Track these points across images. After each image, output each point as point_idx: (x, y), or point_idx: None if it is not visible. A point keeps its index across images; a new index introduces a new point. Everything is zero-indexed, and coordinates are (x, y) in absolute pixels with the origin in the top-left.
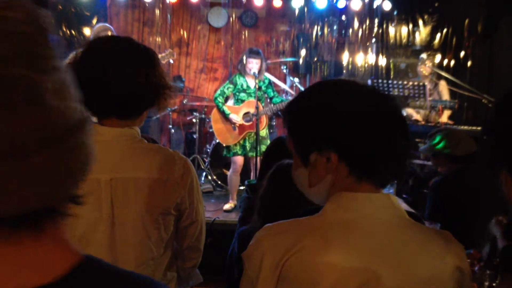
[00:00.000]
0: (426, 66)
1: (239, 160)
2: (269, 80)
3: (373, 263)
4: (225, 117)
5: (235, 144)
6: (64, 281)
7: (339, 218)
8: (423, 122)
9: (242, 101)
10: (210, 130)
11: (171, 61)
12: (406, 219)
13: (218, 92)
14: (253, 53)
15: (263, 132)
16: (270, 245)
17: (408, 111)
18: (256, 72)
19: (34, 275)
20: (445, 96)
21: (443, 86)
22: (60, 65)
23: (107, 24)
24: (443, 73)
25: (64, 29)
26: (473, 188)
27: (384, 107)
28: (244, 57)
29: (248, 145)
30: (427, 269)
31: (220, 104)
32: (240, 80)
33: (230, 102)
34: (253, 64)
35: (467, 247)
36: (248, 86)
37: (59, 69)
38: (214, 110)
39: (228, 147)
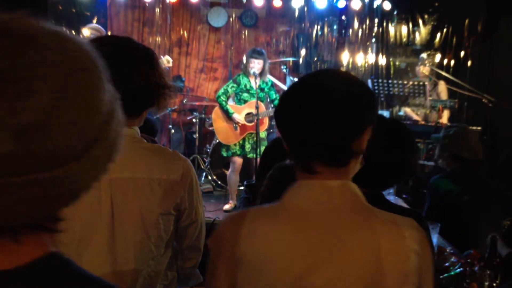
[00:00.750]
0: (425, 66)
1: (238, 160)
2: (272, 82)
3: (321, 248)
4: (228, 116)
5: (235, 144)
6: (19, 269)
7: (295, 205)
8: (423, 122)
9: (245, 101)
10: (210, 128)
11: (168, 68)
12: (364, 204)
13: (221, 90)
14: (255, 53)
15: (262, 133)
16: (228, 232)
17: (406, 111)
18: (257, 72)
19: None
20: (444, 97)
21: (442, 87)
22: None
23: (98, 26)
24: (443, 73)
25: (64, 29)
26: (470, 188)
27: (314, 92)
28: (248, 56)
29: (247, 145)
30: (374, 254)
31: (223, 103)
32: (243, 80)
33: (231, 102)
34: (255, 64)
35: (467, 247)
36: (251, 87)
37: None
38: (216, 109)
39: (227, 147)
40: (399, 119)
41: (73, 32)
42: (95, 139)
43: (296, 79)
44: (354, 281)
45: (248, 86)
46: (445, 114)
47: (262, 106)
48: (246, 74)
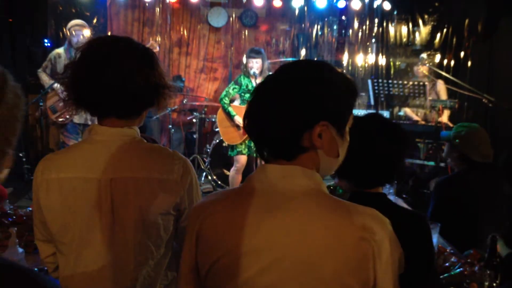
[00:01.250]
0: (425, 65)
1: (242, 159)
2: None
3: (272, 228)
4: (230, 118)
5: (241, 143)
6: None
7: (250, 187)
8: (423, 122)
9: (247, 101)
10: (216, 130)
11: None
12: (319, 191)
13: (224, 93)
14: (252, 53)
15: None
16: (193, 213)
17: (406, 112)
18: (256, 72)
19: None
20: (443, 95)
21: (440, 86)
22: None
23: (83, 22)
24: (442, 73)
25: (64, 30)
26: (476, 190)
27: (264, 82)
28: (245, 57)
29: (253, 145)
30: (316, 238)
31: (225, 105)
32: (245, 81)
33: (237, 103)
34: (253, 64)
35: (469, 247)
36: (253, 87)
37: None
38: (220, 110)
39: (232, 146)
40: (398, 119)
41: (73, 32)
42: None
43: None
44: (292, 264)
45: (249, 87)
46: (445, 114)
47: None
48: (247, 74)
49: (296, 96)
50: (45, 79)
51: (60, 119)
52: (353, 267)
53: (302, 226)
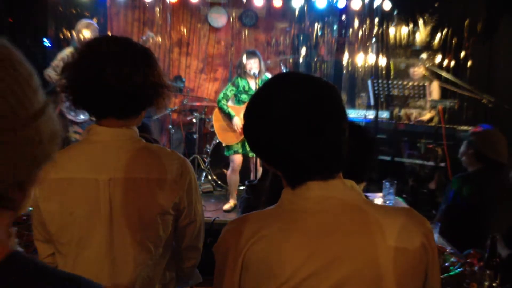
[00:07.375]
0: (422, 66)
1: (237, 158)
2: None
3: (328, 248)
4: (229, 119)
5: (236, 143)
6: None
7: (295, 207)
8: (423, 122)
9: (244, 102)
10: (212, 130)
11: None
12: (365, 200)
13: (221, 95)
14: (250, 54)
15: None
16: (233, 237)
17: (402, 113)
18: (256, 72)
19: None
20: (435, 96)
21: (434, 86)
22: None
23: (91, 21)
24: (443, 73)
25: (64, 30)
26: (492, 189)
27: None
28: (244, 59)
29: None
30: (388, 250)
31: (224, 107)
32: (242, 82)
33: (230, 103)
34: (252, 64)
35: (478, 246)
36: (249, 88)
37: None
38: (216, 110)
39: (228, 146)
40: (397, 119)
41: (73, 33)
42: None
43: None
44: (361, 279)
45: (246, 88)
46: (428, 115)
47: None
48: (243, 76)
49: (339, 97)
50: (56, 78)
51: (82, 117)
52: (413, 273)
53: (363, 239)
